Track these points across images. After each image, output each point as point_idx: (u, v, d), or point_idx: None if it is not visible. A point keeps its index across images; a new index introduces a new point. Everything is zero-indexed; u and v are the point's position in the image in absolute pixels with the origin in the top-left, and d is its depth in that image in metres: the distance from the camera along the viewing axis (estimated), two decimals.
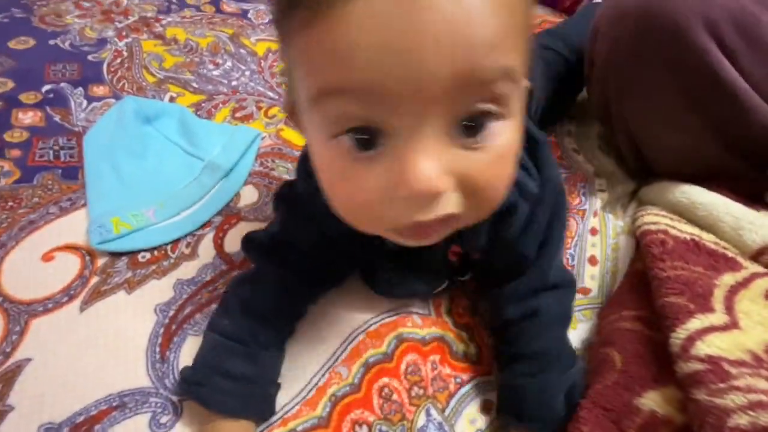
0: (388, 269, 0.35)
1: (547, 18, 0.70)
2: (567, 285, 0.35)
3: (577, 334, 0.38)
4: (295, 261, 0.33)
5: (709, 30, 0.36)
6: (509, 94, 0.20)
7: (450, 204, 0.20)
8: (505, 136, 0.21)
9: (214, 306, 0.36)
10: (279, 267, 0.33)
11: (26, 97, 0.48)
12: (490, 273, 0.35)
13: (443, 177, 0.19)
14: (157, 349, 0.33)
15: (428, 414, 0.32)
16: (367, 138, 0.20)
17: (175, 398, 0.31)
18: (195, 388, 0.29)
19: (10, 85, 0.49)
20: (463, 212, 0.21)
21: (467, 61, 0.17)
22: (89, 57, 0.54)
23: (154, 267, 0.38)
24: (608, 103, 0.47)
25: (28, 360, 0.32)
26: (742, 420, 0.21)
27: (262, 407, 0.31)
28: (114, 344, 0.33)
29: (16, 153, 0.43)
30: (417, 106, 0.18)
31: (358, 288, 0.38)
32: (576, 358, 0.33)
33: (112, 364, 0.32)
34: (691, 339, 0.27)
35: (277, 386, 0.32)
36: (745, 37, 0.36)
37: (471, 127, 0.20)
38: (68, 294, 0.36)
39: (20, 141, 0.44)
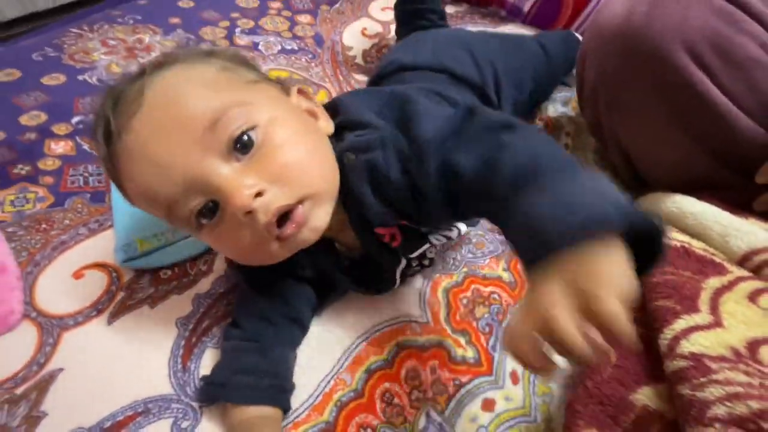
0: (344, 273, 0.37)
1: None
2: (507, 125, 0.27)
3: None
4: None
5: (687, 51, 0.38)
6: (244, 114, 0.27)
7: (274, 198, 0.27)
8: (271, 132, 0.28)
9: (229, 319, 0.38)
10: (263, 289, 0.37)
11: (58, 129, 0.52)
12: (437, 209, 0.30)
13: (249, 188, 0.26)
14: (179, 360, 0.36)
15: (428, 416, 0.34)
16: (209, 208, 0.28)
17: (195, 404, 0.33)
18: (217, 388, 0.32)
19: (44, 117, 0.53)
20: (297, 195, 0.27)
21: (197, 134, 0.26)
22: None
23: (174, 283, 0.41)
24: (600, 121, 0.49)
25: (60, 370, 0.35)
26: (720, 410, 0.23)
27: (280, 397, 0.33)
28: (139, 355, 0.36)
29: (49, 180, 0.47)
30: (194, 177, 0.27)
31: (360, 300, 0.40)
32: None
33: (137, 374, 0.35)
34: (677, 338, 0.29)
35: (292, 384, 0.34)
36: (722, 56, 0.38)
37: (242, 146, 0.27)
38: (97, 308, 0.38)
39: (53, 169, 0.48)
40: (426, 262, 0.41)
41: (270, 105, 0.29)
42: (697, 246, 0.39)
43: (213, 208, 0.28)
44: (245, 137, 0.27)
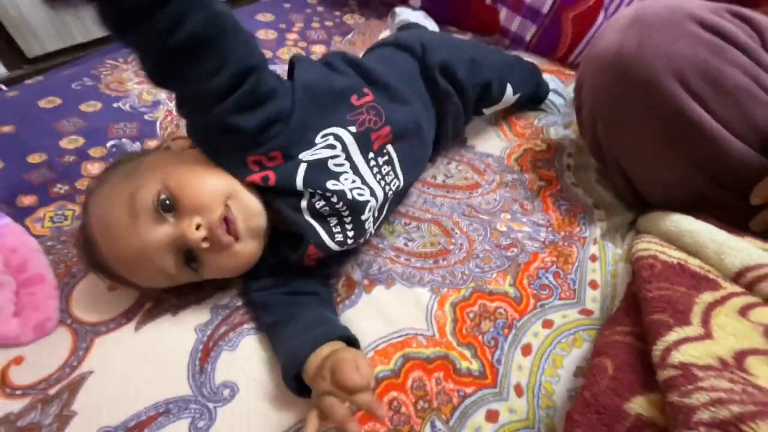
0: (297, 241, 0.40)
1: (542, 66, 0.77)
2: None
3: (581, 352, 0.41)
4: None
5: (677, 78, 0.40)
6: (144, 190, 0.35)
7: (208, 218, 0.35)
8: (172, 186, 0.35)
9: (245, 326, 0.41)
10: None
11: (94, 152, 0.57)
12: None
13: (189, 227, 0.35)
14: (197, 363, 0.38)
15: (433, 425, 0.35)
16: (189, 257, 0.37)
17: (211, 405, 0.36)
18: (296, 377, 0.34)
19: (81, 141, 0.58)
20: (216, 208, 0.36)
21: (131, 222, 0.35)
22: (146, 116, 0.63)
23: (194, 294, 0.44)
24: (599, 143, 0.51)
25: (91, 372, 0.38)
26: (704, 415, 0.24)
27: (338, 329, 0.37)
28: (161, 359, 0.38)
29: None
30: (154, 248, 0.35)
31: (368, 310, 0.42)
32: None
33: (160, 376, 0.37)
34: (668, 350, 0.30)
35: (345, 327, 0.38)
36: (711, 84, 0.40)
37: (163, 207, 0.35)
38: (127, 317, 0.41)
39: None
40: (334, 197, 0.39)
41: (156, 170, 0.36)
42: (692, 263, 0.40)
43: (191, 256, 0.36)
44: (163, 200, 0.35)
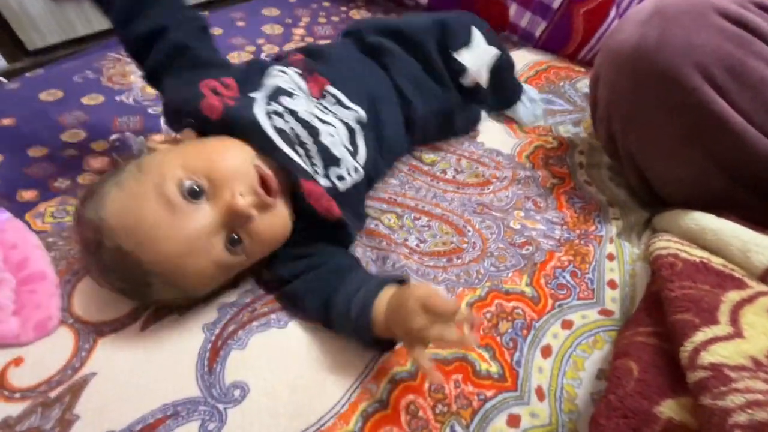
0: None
1: (551, 63, 0.76)
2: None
3: (602, 354, 0.40)
4: None
5: (700, 71, 0.39)
6: (168, 179, 0.34)
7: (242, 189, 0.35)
8: (189, 168, 0.35)
9: (255, 323, 0.39)
10: None
11: (96, 145, 0.55)
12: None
13: (234, 198, 0.34)
14: (206, 363, 0.37)
15: (453, 430, 0.34)
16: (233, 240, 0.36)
17: (221, 406, 0.34)
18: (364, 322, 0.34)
19: (83, 135, 0.56)
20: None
21: (169, 213, 0.33)
22: (149, 110, 0.61)
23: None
24: (614, 140, 0.50)
25: (94, 374, 0.36)
26: (741, 418, 0.23)
27: (392, 276, 0.38)
28: (168, 359, 0.37)
29: None
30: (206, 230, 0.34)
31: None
32: None
33: (167, 377, 0.36)
34: (697, 350, 0.29)
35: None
36: (735, 77, 0.39)
37: (191, 193, 0.34)
38: (133, 317, 0.40)
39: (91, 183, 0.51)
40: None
41: (169, 162, 0.35)
42: (716, 261, 0.39)
43: (235, 238, 0.35)
44: (189, 187, 0.33)
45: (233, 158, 0.35)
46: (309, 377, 0.36)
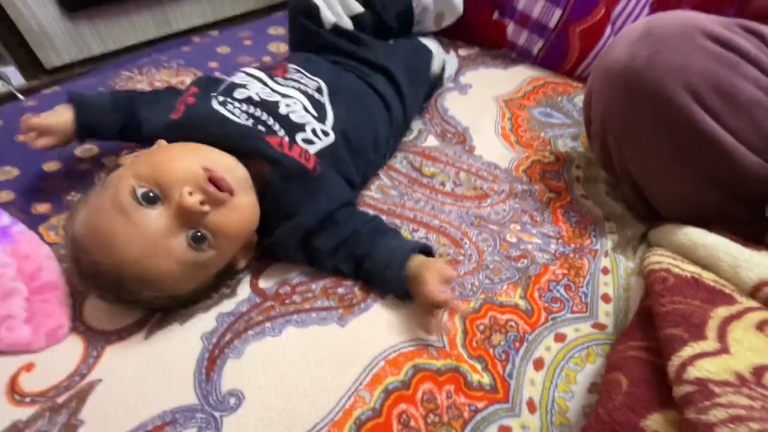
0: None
1: (549, 79, 0.78)
2: None
3: (594, 368, 0.40)
4: None
5: (689, 92, 0.40)
6: (123, 185, 0.37)
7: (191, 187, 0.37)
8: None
9: (250, 332, 0.41)
10: None
11: (108, 160, 0.58)
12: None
13: (185, 193, 0.36)
14: (203, 371, 0.38)
15: None
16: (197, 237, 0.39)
17: (216, 414, 0.35)
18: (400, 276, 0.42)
19: (96, 150, 0.59)
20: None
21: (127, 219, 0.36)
22: None
23: (201, 303, 0.43)
24: (609, 154, 0.51)
25: (99, 380, 0.37)
26: None
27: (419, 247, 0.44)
28: (168, 367, 0.38)
29: None
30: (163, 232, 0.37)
31: (381, 317, 0.42)
32: None
33: (167, 385, 0.37)
34: (684, 365, 0.29)
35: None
36: (723, 97, 0.39)
37: (146, 199, 0.36)
38: (139, 325, 0.41)
39: None
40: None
41: (124, 173, 0.38)
42: (707, 277, 0.40)
43: (198, 236, 0.37)
44: (145, 194, 0.36)
45: (178, 161, 0.37)
46: (303, 385, 0.37)
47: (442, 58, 0.72)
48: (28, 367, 0.38)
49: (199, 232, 0.37)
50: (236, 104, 0.46)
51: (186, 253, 0.36)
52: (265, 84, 0.50)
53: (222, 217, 0.38)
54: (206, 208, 0.36)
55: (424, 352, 0.40)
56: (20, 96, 0.78)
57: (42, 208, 0.51)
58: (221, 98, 0.46)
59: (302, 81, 0.51)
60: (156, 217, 0.35)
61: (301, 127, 0.46)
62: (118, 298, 0.39)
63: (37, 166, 0.55)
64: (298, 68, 0.53)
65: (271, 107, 0.46)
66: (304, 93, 0.50)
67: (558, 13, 0.71)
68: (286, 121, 0.46)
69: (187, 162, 0.37)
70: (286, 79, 0.51)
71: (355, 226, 0.45)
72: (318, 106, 0.49)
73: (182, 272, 0.37)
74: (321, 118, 0.48)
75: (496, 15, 0.78)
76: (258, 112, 0.45)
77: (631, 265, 0.50)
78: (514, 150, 0.64)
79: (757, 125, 0.40)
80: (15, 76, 0.84)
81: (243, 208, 0.40)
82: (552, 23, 0.72)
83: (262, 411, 0.36)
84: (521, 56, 0.81)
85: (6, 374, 0.37)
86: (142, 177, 0.36)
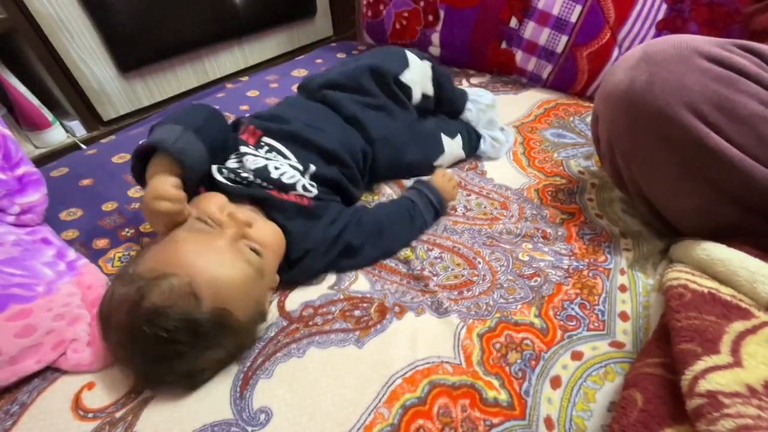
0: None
1: (560, 100, 0.79)
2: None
3: (613, 386, 0.40)
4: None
5: (690, 110, 0.41)
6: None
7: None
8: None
9: (279, 354, 0.44)
10: None
11: None
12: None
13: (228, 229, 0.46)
14: (238, 389, 0.42)
15: None
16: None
17: (249, 428, 0.38)
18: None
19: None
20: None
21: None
22: None
23: None
24: (620, 173, 0.52)
25: (152, 397, 0.41)
26: None
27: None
28: (210, 386, 0.42)
29: (147, 240, 0.59)
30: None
31: (398, 336, 0.45)
32: None
33: (207, 400, 0.41)
34: (696, 378, 0.30)
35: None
36: (724, 113, 0.40)
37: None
38: None
39: (151, 231, 0.60)
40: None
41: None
42: (724, 292, 0.40)
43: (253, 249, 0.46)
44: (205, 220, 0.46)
45: (215, 204, 0.48)
46: (325, 403, 0.40)
47: (463, 151, 0.70)
48: (89, 386, 0.43)
49: (250, 246, 0.45)
50: (230, 172, 0.52)
51: (248, 254, 0.44)
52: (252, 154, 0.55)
53: (260, 230, 0.47)
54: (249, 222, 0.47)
55: (439, 368, 0.41)
56: (83, 146, 0.88)
57: (101, 243, 0.58)
58: (218, 168, 0.52)
59: (275, 147, 0.56)
60: (220, 233, 0.44)
61: (293, 187, 0.52)
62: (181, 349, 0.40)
63: (97, 207, 0.63)
64: (272, 143, 0.57)
65: (263, 172, 0.52)
66: (281, 153, 0.56)
67: (564, 39, 0.74)
68: (278, 184, 0.52)
69: (218, 203, 0.48)
70: (261, 150, 0.56)
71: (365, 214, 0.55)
72: (299, 155, 0.56)
73: (248, 276, 0.43)
74: (305, 169, 0.55)
75: (503, 45, 0.82)
76: (251, 176, 0.51)
77: (651, 282, 0.50)
78: (526, 173, 0.66)
79: (761, 139, 0.40)
80: (78, 129, 0.96)
81: (270, 226, 0.49)
82: (559, 49, 0.75)
83: (288, 427, 0.38)
84: (532, 80, 0.83)
85: (71, 392, 0.42)
86: (201, 212, 0.47)
